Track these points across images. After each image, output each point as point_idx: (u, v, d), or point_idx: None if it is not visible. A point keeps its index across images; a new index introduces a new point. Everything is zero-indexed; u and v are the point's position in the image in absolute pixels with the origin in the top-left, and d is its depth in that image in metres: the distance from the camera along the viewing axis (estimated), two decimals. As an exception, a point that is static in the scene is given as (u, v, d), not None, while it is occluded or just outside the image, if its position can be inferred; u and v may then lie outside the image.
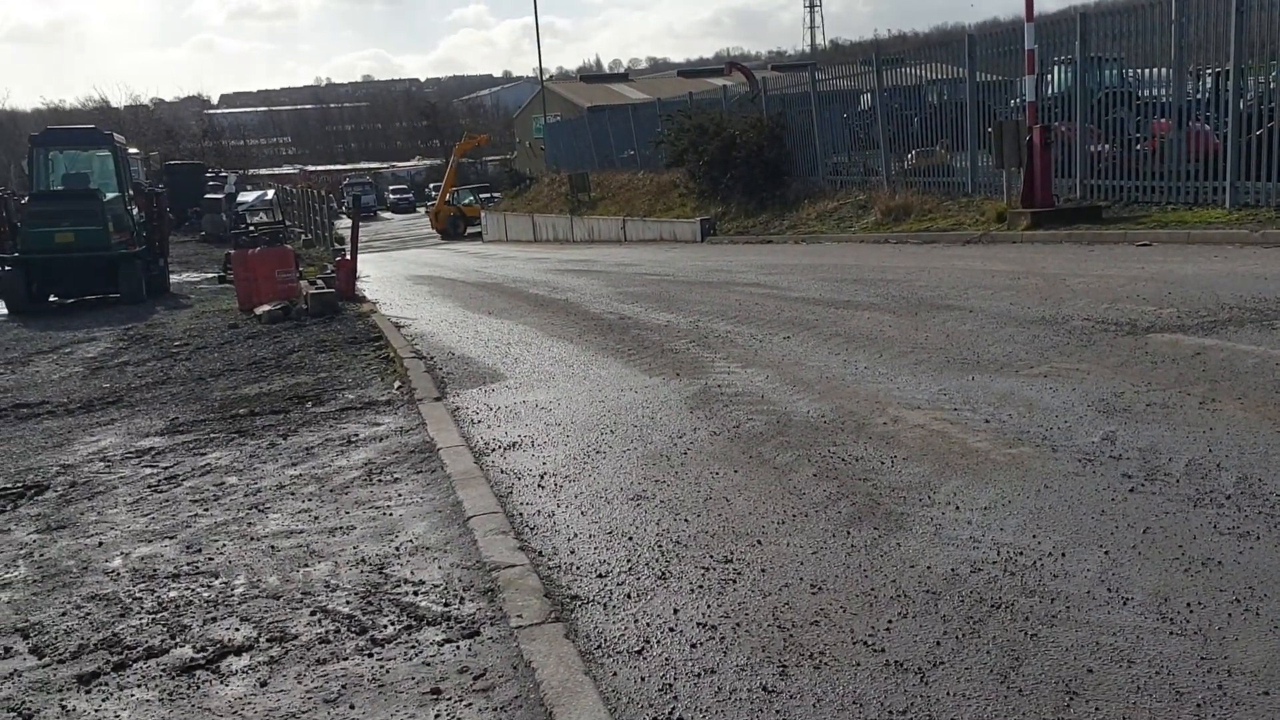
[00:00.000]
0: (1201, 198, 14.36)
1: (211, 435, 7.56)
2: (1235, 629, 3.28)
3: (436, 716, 3.27)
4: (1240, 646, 3.17)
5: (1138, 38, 15.63)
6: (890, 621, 3.55)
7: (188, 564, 4.87)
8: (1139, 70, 16.19)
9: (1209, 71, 14.66)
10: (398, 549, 4.80)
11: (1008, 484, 4.75)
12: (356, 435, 7.12)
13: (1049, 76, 17.01)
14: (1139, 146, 15.47)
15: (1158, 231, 13.41)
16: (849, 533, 4.38)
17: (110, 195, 19.77)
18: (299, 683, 3.57)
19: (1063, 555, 3.93)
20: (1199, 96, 14.72)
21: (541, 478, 5.69)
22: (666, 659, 3.46)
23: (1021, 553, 3.99)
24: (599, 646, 3.60)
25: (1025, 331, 8.01)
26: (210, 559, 4.91)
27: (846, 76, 23.52)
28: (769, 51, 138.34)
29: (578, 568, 4.35)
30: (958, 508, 4.53)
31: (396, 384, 8.78)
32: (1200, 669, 3.07)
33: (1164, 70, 15.20)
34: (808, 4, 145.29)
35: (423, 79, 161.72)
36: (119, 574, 4.83)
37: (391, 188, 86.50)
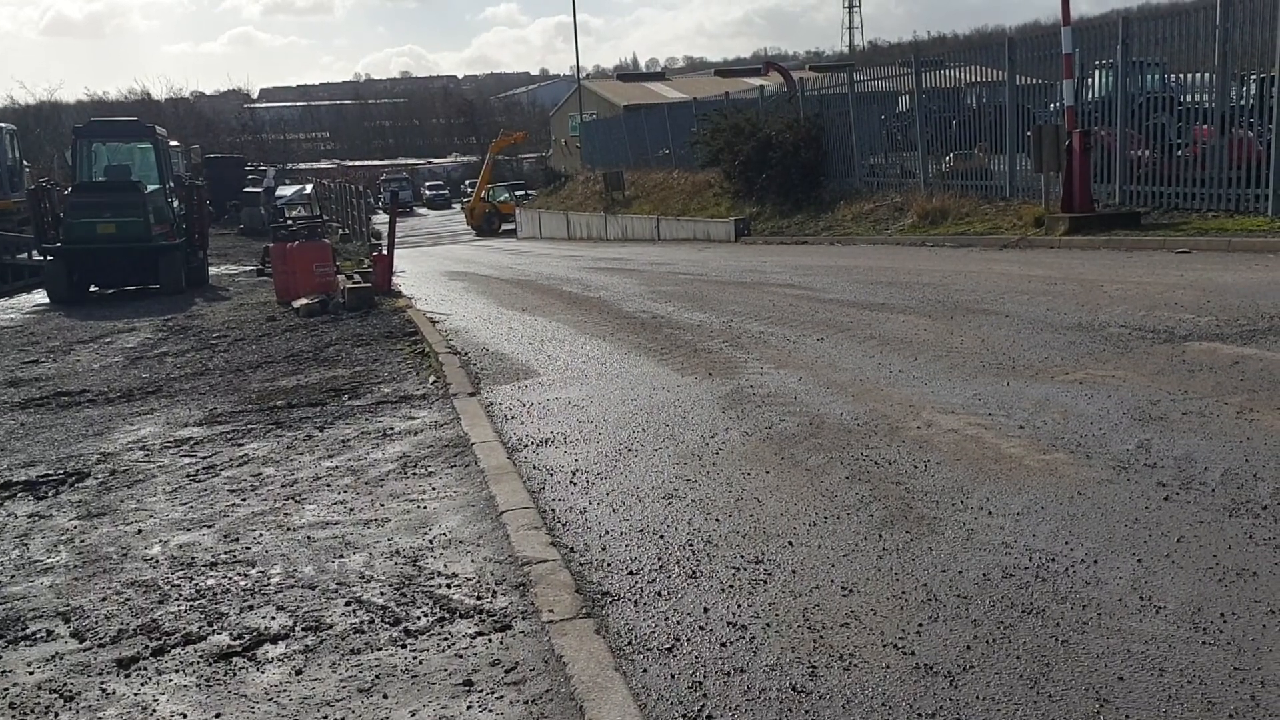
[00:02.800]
0: (1243, 205, 14.19)
1: (249, 426, 7.66)
2: (1270, 640, 3.26)
3: (469, 708, 3.31)
4: (1275, 658, 3.15)
5: (1181, 42, 15.47)
6: (921, 625, 3.56)
7: (225, 553, 4.95)
8: (1181, 75, 16.03)
9: (1253, 77, 14.49)
10: (431, 542, 4.85)
11: (1041, 490, 4.74)
12: (392, 429, 7.19)
13: (1090, 81, 16.87)
14: (1180, 152, 15.31)
15: (1197, 239, 13.28)
16: (881, 536, 4.38)
17: (151, 187, 20.01)
18: (334, 671, 3.62)
19: (1095, 562, 3.92)
20: (1242, 102, 14.54)
21: (574, 474, 5.73)
22: (696, 657, 3.48)
23: (1054, 559, 3.99)
24: (629, 643, 3.63)
25: (1061, 337, 7.96)
26: (247, 548, 4.98)
27: (885, 78, 23.45)
28: (806, 52, 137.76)
29: (609, 564, 4.38)
30: (990, 513, 4.52)
31: (431, 379, 8.85)
32: (1233, 679, 3.06)
33: (1207, 76, 15.03)
34: (846, 4, 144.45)
35: (460, 76, 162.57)
36: (158, 561, 4.91)
37: (428, 184, 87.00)
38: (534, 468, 5.94)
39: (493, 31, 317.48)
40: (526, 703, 3.31)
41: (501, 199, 56.39)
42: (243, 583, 4.54)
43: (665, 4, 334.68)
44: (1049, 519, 4.39)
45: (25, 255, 23.79)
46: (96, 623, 4.22)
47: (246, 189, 43.69)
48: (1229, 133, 14.36)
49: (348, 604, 4.19)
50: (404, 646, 3.77)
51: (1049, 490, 4.73)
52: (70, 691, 3.64)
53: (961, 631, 3.48)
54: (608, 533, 4.76)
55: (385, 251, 17.59)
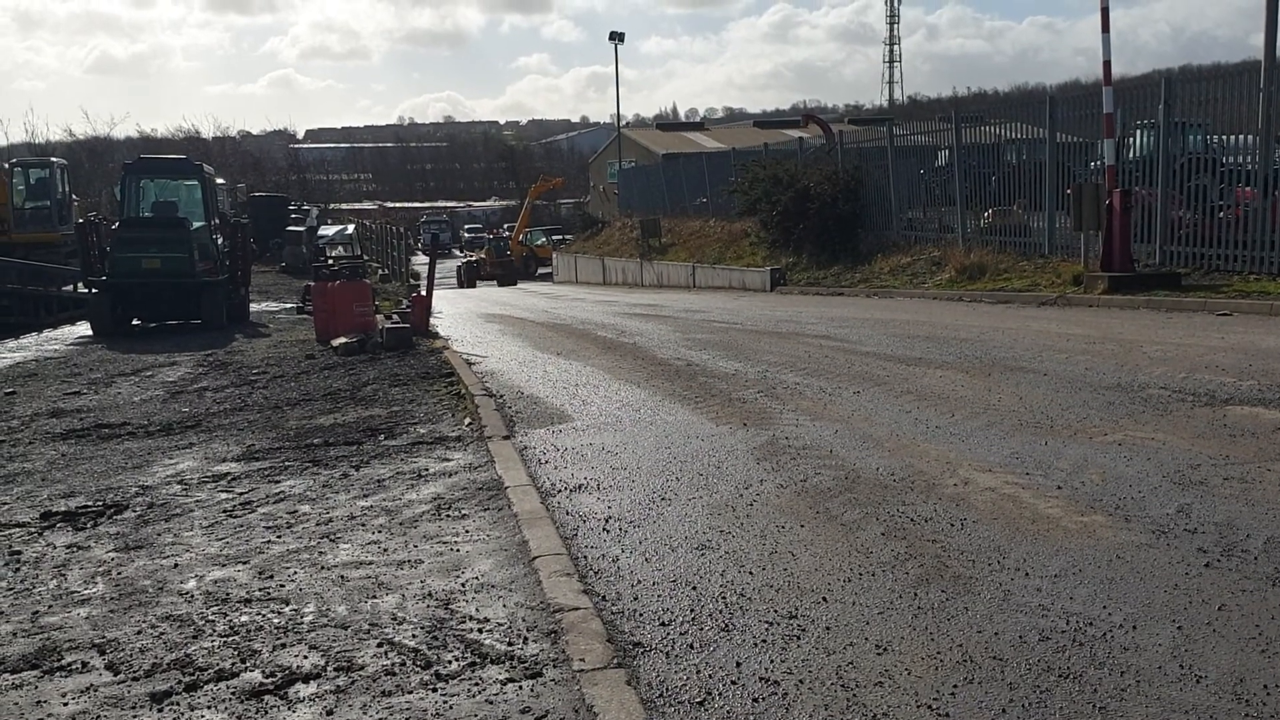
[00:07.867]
0: (1286, 269, 14.07)
1: (286, 463, 7.72)
2: (1313, 714, 3.20)
3: (498, 755, 3.30)
4: (1318, 733, 3.09)
5: (1223, 104, 15.45)
6: (955, 686, 3.52)
7: (259, 589, 4.98)
8: (1224, 136, 15.98)
9: (1297, 140, 14.42)
10: (464, 585, 4.86)
11: (1079, 552, 4.69)
12: (426, 470, 7.23)
13: (1131, 140, 16.85)
14: (1221, 214, 15.22)
15: (1239, 301, 13.16)
16: (916, 594, 4.35)
17: (197, 224, 20.33)
18: (364, 713, 3.62)
19: (1134, 628, 3.87)
20: (1286, 165, 14.46)
21: (607, 521, 5.73)
22: (728, 712, 3.46)
23: (1091, 623, 3.94)
24: (660, 695, 3.61)
25: (1100, 397, 7.90)
26: (281, 585, 5.01)
27: (924, 133, 23.54)
28: (846, 105, 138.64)
29: (641, 614, 4.37)
30: (1027, 574, 4.48)
31: (467, 421, 8.90)
32: (1276, 754, 3.00)
33: (1250, 138, 14.98)
34: (886, 59, 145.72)
35: (502, 122, 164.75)
36: (193, 596, 4.95)
37: (467, 226, 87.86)
38: (567, 513, 5.95)
39: (526, 80, 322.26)
40: (556, 752, 3.29)
41: (539, 243, 56.96)
42: (276, 620, 4.56)
43: (695, 57, 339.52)
44: (1087, 582, 4.34)
45: (71, 288, 24.21)
46: (131, 656, 4.25)
47: (289, 227, 44.19)
48: (1272, 195, 14.26)
49: (380, 645, 4.20)
50: (435, 690, 3.77)
51: (1087, 552, 4.68)
52: (104, 724, 3.66)
53: (997, 694, 3.44)
54: (640, 582, 4.75)
55: (424, 292, 17.75)
